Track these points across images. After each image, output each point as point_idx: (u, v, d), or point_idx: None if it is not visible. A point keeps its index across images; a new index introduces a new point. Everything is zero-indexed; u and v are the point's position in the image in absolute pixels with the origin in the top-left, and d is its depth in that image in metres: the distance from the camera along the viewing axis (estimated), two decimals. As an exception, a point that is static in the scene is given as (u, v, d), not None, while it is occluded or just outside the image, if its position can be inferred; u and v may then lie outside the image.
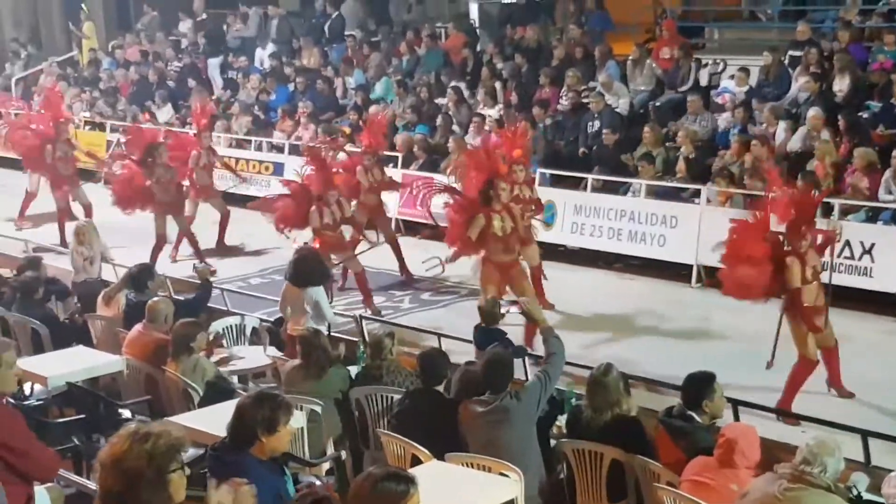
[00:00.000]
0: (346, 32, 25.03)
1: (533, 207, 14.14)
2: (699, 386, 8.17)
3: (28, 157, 18.99)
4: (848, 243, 13.91)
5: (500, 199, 12.53)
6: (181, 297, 12.29)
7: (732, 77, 18.08)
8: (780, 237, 10.82)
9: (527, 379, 9.39)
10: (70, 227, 15.74)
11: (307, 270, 11.56)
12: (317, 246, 13.46)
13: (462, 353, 10.55)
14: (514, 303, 9.83)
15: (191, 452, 7.04)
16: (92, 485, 7.47)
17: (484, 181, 12.67)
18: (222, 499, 5.20)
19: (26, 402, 9.91)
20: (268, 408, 6.43)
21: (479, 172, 12.96)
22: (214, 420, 7.59)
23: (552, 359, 8.48)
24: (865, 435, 8.41)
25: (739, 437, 7.37)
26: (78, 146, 19.35)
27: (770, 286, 10.81)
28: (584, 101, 18.59)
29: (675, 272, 15.40)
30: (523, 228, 12.90)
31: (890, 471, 7.43)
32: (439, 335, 11.39)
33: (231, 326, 12.06)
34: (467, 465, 7.96)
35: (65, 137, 18.54)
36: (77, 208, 18.38)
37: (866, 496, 7.29)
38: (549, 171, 17.18)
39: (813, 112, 15.69)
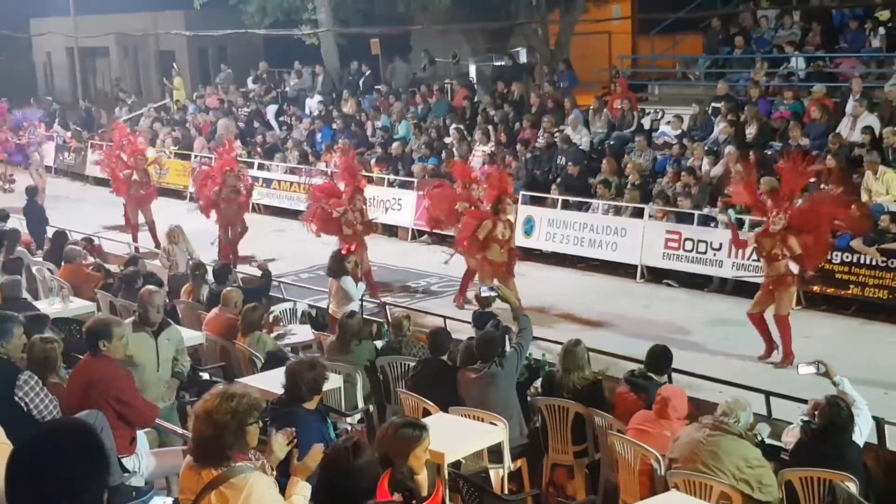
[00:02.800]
0: (376, 86, 25.10)
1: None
2: (660, 356, 8.19)
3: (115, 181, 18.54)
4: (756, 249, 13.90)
5: (505, 212, 12.60)
6: (248, 287, 12.31)
7: (669, 122, 18.01)
8: None
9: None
10: (162, 232, 15.69)
11: (339, 264, 11.62)
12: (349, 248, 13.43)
13: (462, 332, 10.56)
14: (492, 288, 9.81)
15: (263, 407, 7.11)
16: (180, 430, 7.53)
17: (496, 196, 12.74)
18: (279, 442, 5.21)
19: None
20: (318, 370, 6.45)
21: (491, 189, 13.04)
22: (273, 382, 7.60)
23: (523, 333, 8.45)
24: (768, 395, 8.40)
25: (672, 396, 7.39)
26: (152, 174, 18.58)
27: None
28: (556, 140, 18.59)
29: (625, 271, 15.40)
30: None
31: (787, 423, 7.44)
32: (445, 317, 11.39)
33: (286, 310, 12.09)
34: (465, 417, 7.97)
35: (142, 167, 18.05)
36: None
37: (768, 441, 7.31)
38: (529, 193, 17.16)
39: (729, 149, 15.67)
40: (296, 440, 5.24)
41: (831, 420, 6.81)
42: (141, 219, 18.15)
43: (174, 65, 31.22)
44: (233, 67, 30.02)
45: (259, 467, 4.88)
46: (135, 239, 17.75)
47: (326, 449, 5.08)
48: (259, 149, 23.21)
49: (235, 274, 12.16)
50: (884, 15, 18.70)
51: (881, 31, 18.28)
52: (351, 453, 4.04)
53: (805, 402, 7.42)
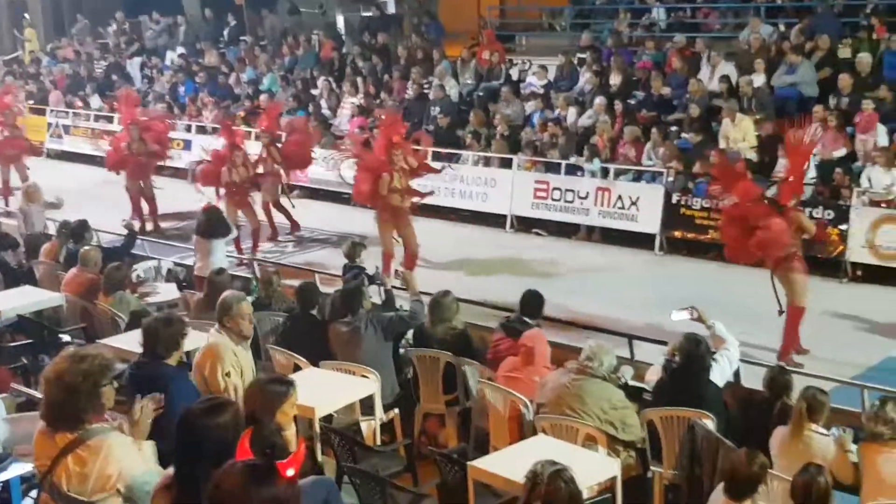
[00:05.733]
0: (241, 38, 24.53)
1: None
2: (533, 300, 8.27)
3: None
4: (620, 197, 14.25)
5: (395, 162, 12.49)
6: (109, 246, 11.97)
7: (536, 73, 18.14)
8: None
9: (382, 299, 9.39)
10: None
11: (212, 225, 11.39)
12: (222, 202, 13.24)
13: (333, 285, 10.48)
14: (397, 272, 9.66)
15: (118, 367, 6.92)
16: (38, 395, 7.27)
17: (387, 145, 12.60)
18: (146, 410, 5.07)
19: (-16, 331, 9.59)
20: (176, 325, 6.31)
21: (381, 138, 12.94)
22: (137, 342, 7.39)
23: (412, 314, 8.35)
24: (630, 338, 8.61)
25: (536, 342, 7.49)
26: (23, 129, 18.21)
27: None
28: (426, 91, 18.54)
29: (495, 221, 15.53)
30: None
31: (649, 364, 7.65)
32: (314, 271, 11.29)
33: (150, 268, 11.80)
34: (336, 370, 7.93)
35: (10, 123, 17.50)
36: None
37: (631, 383, 7.50)
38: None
39: (597, 100, 15.89)
40: (163, 405, 5.11)
41: (689, 353, 7.03)
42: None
43: (25, 15, 29.88)
44: (89, 17, 28.83)
45: (116, 427, 4.76)
46: (6, 201, 17.08)
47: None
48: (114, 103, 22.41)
49: (92, 232, 11.77)
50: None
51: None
52: (206, 413, 3.95)
53: (666, 343, 7.63)
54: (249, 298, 9.79)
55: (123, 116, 16.59)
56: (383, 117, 14.99)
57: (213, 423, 3.96)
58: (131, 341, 7.92)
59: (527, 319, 8.19)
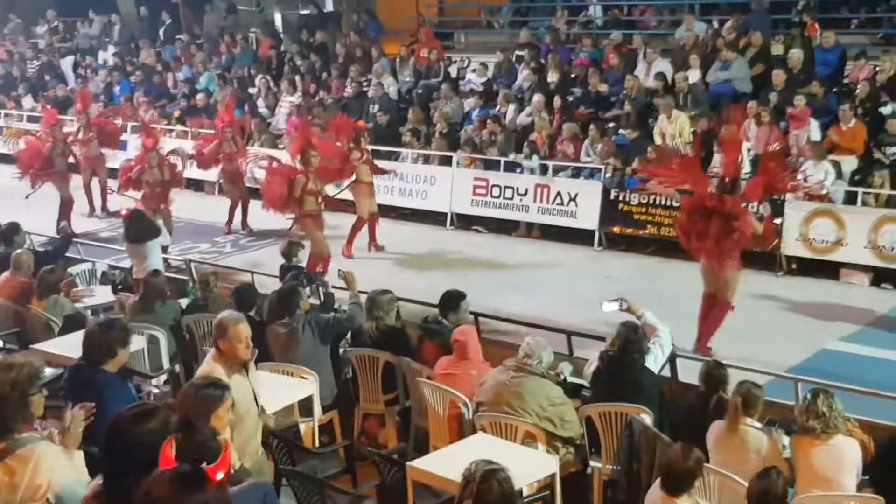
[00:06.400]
0: (177, 36, 24.23)
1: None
2: (451, 300, 8.26)
3: None
4: (559, 194, 14.32)
5: (311, 163, 12.39)
6: (42, 249, 11.74)
7: (475, 71, 18.14)
8: None
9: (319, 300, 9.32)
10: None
11: (138, 229, 11.23)
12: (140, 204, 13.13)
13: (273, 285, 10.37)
14: (340, 271, 9.45)
15: (50, 372, 6.79)
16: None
17: (301, 148, 12.49)
18: (77, 418, 4.98)
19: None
20: (115, 332, 6.18)
21: (296, 142, 12.82)
22: (72, 346, 7.27)
23: (350, 316, 8.25)
24: (569, 334, 8.64)
25: (468, 338, 7.48)
26: None
27: None
28: (364, 89, 18.46)
29: (435, 218, 15.51)
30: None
31: (587, 360, 7.68)
32: (252, 272, 11.17)
33: (84, 271, 11.59)
34: (275, 372, 7.86)
35: None
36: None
37: (570, 379, 7.52)
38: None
39: (535, 97, 15.94)
40: (94, 414, 5.02)
41: (626, 338, 7.12)
42: None
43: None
44: (21, 16, 28.23)
45: (46, 436, 4.67)
46: None
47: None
48: (47, 105, 22.00)
49: (24, 235, 11.53)
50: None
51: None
52: (134, 420, 3.88)
53: (604, 339, 7.67)
54: (184, 301, 9.81)
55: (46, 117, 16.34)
56: (333, 119, 14.90)
57: (142, 430, 3.89)
58: (65, 345, 7.81)
59: (443, 320, 8.16)
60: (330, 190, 13.20)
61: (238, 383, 5.97)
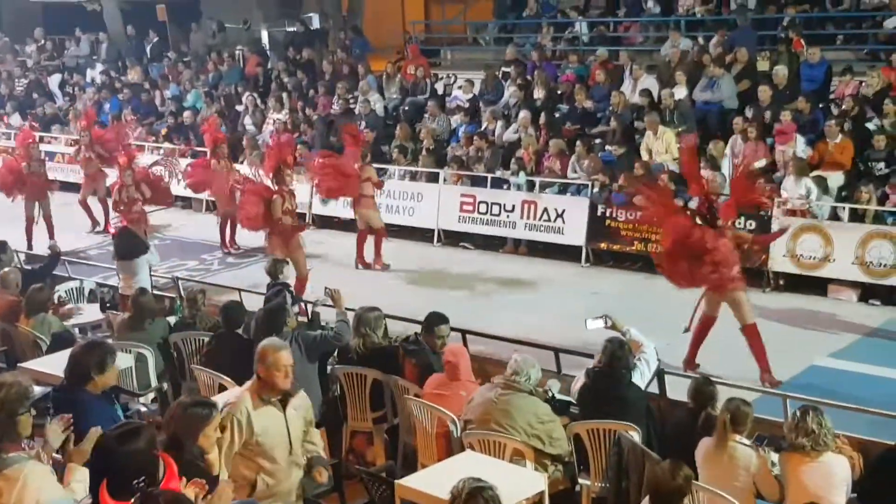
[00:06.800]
0: (165, 54, 24.24)
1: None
2: (428, 322, 8.20)
3: None
4: (546, 210, 14.34)
5: (286, 182, 12.37)
6: (29, 267, 11.70)
7: (461, 87, 18.17)
8: None
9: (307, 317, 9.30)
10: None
11: (126, 246, 11.21)
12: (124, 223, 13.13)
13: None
14: (326, 288, 9.42)
15: (38, 391, 6.75)
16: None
17: (275, 167, 12.46)
18: (53, 430, 4.97)
19: None
20: (97, 354, 6.16)
21: (270, 160, 12.75)
22: (60, 365, 7.22)
23: (337, 333, 8.22)
24: (557, 351, 8.64)
25: (459, 358, 7.46)
26: None
27: None
28: (351, 106, 18.48)
29: (422, 235, 15.51)
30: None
31: (574, 376, 7.67)
32: (239, 290, 11.14)
33: (72, 289, 11.55)
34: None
35: None
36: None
37: (558, 397, 7.51)
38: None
39: (522, 114, 15.98)
40: (72, 426, 5.00)
41: (612, 354, 7.11)
42: None
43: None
44: (9, 35, 28.20)
45: (34, 456, 4.65)
46: None
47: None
48: (35, 123, 21.97)
49: (12, 253, 11.49)
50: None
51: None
52: (120, 439, 3.87)
53: (592, 356, 7.66)
54: (172, 319, 9.77)
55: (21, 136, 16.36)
56: (345, 128, 15.02)
57: (129, 449, 3.88)
58: (53, 364, 7.75)
59: (421, 340, 8.12)
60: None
61: (269, 415, 5.89)
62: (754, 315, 9.80)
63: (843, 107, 14.02)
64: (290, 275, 10.61)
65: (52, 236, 15.07)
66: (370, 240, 14.12)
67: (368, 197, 13.99)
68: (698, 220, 9.67)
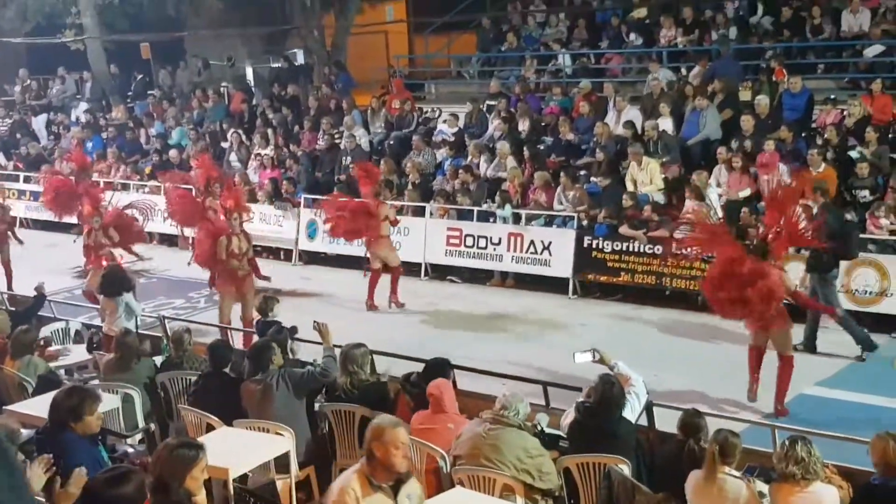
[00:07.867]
0: (149, 92, 24.30)
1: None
2: (435, 369, 8.17)
3: None
4: (532, 242, 14.37)
5: (238, 225, 12.25)
6: (14, 309, 11.65)
7: (446, 121, 18.26)
8: None
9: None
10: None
11: (112, 283, 11.17)
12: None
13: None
14: (315, 323, 9.38)
15: (25, 434, 6.73)
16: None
17: (228, 210, 12.41)
18: (35, 472, 4.95)
19: None
20: (76, 399, 6.15)
21: (224, 200, 12.71)
22: (45, 407, 7.19)
23: (324, 370, 8.18)
24: (545, 385, 8.62)
25: (443, 391, 7.44)
26: None
27: None
28: (337, 141, 18.55)
29: (409, 269, 15.48)
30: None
31: (563, 410, 7.66)
32: (228, 328, 11.11)
33: (58, 330, 11.50)
34: (250, 429, 7.79)
35: None
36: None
37: (547, 431, 7.50)
38: (311, 196, 17.01)
39: (499, 145, 16.03)
40: (55, 467, 4.98)
41: (603, 394, 7.07)
42: None
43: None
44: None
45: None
46: None
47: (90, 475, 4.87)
48: (19, 163, 21.97)
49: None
50: (640, 13, 19.71)
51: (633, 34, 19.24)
52: (109, 483, 3.86)
53: (580, 389, 7.66)
54: (159, 359, 9.73)
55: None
56: (359, 165, 15.02)
57: (117, 494, 3.86)
58: (39, 406, 7.70)
59: (421, 384, 8.06)
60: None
61: (379, 503, 5.18)
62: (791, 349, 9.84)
63: (826, 136, 14.12)
64: (279, 312, 10.58)
65: (10, 283, 15.02)
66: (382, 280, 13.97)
67: (385, 236, 13.95)
68: (751, 252, 9.60)
